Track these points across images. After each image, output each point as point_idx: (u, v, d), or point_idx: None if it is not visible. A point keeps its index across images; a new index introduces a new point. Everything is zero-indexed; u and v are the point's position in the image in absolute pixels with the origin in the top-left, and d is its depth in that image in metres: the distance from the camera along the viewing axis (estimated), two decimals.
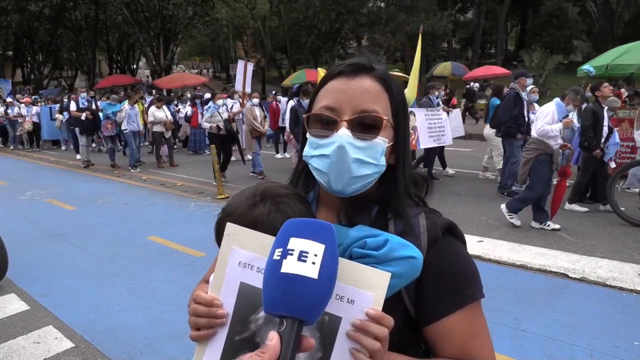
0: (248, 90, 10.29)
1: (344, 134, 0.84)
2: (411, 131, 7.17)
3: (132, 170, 10.87)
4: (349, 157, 0.84)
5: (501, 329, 3.41)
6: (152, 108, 11.25)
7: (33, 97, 18.71)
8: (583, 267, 4.44)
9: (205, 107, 9.70)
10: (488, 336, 0.92)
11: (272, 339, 0.64)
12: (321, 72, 7.77)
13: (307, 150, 0.90)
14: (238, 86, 10.58)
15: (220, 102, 9.27)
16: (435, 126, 7.93)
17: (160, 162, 11.40)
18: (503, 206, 5.85)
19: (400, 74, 16.18)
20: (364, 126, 0.86)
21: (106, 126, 11.19)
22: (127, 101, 11.35)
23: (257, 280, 0.74)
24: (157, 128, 11.20)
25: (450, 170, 8.90)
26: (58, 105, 15.25)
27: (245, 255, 0.77)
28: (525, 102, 7.07)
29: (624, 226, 5.63)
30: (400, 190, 0.92)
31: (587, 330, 3.39)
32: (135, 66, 39.66)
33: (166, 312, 3.91)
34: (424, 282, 0.85)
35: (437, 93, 8.67)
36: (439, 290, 0.87)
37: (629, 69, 9.18)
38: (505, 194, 7.12)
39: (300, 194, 0.96)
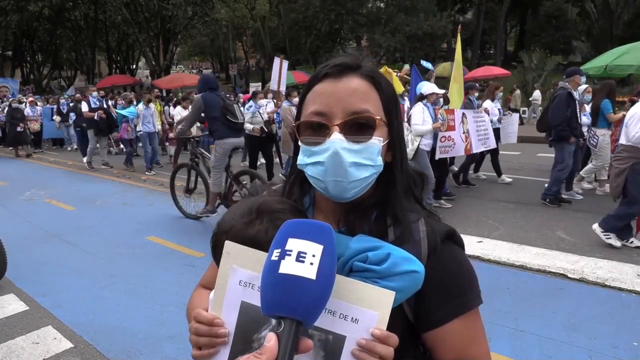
0: (283, 89, 9.69)
1: (337, 138, 0.81)
2: (465, 134, 6.80)
3: (148, 173, 10.33)
4: (345, 162, 0.81)
5: (500, 329, 3.41)
6: (179, 108, 10.81)
7: (35, 96, 18.61)
8: (582, 267, 4.45)
9: (246, 106, 9.04)
10: (486, 342, 0.92)
11: (270, 340, 0.63)
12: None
13: (301, 159, 0.88)
14: (273, 85, 9.94)
15: (263, 101, 8.54)
16: (481, 129, 7.37)
17: (175, 163, 10.86)
18: (596, 226, 5.11)
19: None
20: (357, 128, 0.83)
21: (126, 129, 10.85)
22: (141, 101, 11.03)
23: (258, 299, 0.73)
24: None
25: (507, 179, 8.20)
26: (56, 106, 15.18)
27: (245, 274, 0.76)
28: (577, 103, 6.48)
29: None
30: (399, 188, 0.91)
31: (586, 330, 3.39)
32: (134, 66, 39.68)
33: (165, 312, 3.90)
34: (425, 289, 0.84)
35: (476, 94, 8.09)
36: (439, 297, 0.87)
37: (628, 70, 9.21)
38: (548, 201, 6.57)
39: (297, 207, 0.93)
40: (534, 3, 33.20)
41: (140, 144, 11.56)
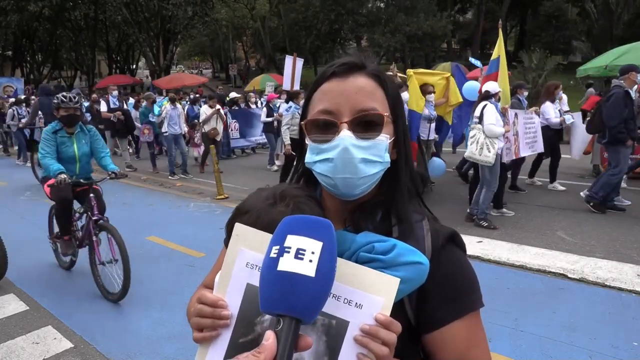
0: (297, 87, 9.31)
1: (346, 135, 0.83)
2: (514, 136, 6.23)
3: (170, 178, 9.76)
4: (355, 158, 0.83)
5: (500, 329, 3.41)
6: (205, 107, 10.22)
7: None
8: (582, 267, 4.45)
9: (285, 107, 8.58)
10: (486, 345, 0.93)
11: (269, 338, 0.63)
12: None
13: (310, 157, 0.88)
14: (286, 84, 9.43)
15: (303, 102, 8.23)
16: (530, 131, 6.81)
17: (202, 166, 10.45)
18: None
19: (400, 74, 16.08)
20: (365, 125, 0.85)
21: (143, 131, 10.43)
22: (166, 100, 10.51)
23: None
24: (207, 128, 10.05)
25: (559, 187, 7.58)
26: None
27: (253, 256, 0.75)
28: (634, 102, 5.97)
29: (623, 227, 5.63)
30: (403, 186, 0.92)
31: (586, 330, 3.39)
32: (134, 66, 39.67)
33: (165, 312, 3.90)
34: (426, 290, 0.85)
35: (525, 93, 7.53)
36: (440, 298, 0.87)
37: None
38: (592, 205, 6.16)
39: (316, 197, 0.94)
40: (534, 3, 33.21)
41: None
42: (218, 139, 10.19)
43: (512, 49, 38.46)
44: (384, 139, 0.86)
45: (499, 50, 6.94)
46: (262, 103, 13.54)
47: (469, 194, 6.37)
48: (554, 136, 7.35)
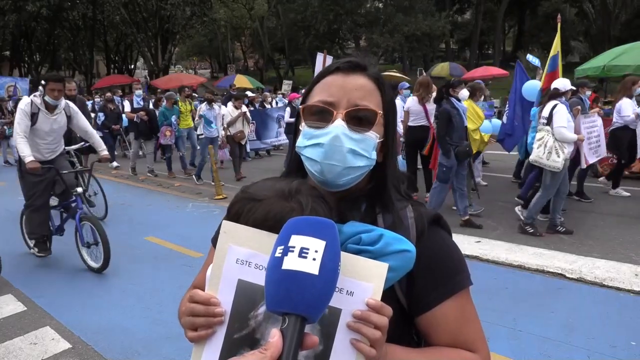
0: None
1: (339, 124, 0.88)
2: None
3: (198, 183, 9.13)
4: (344, 147, 0.87)
5: (498, 329, 3.42)
6: (230, 108, 9.31)
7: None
8: (580, 267, 4.45)
9: None
10: (478, 322, 0.96)
11: (274, 336, 0.64)
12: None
13: (301, 141, 0.92)
14: None
15: None
16: (592, 136, 6.17)
17: (239, 173, 9.37)
18: None
19: (397, 74, 16.09)
20: (359, 119, 0.90)
21: (164, 133, 9.72)
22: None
23: (255, 277, 0.75)
24: (233, 131, 9.21)
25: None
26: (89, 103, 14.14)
27: (243, 252, 0.76)
28: None
29: (621, 226, 5.64)
30: (389, 186, 0.96)
31: (584, 330, 3.40)
32: (133, 66, 39.60)
33: (164, 312, 3.90)
34: (415, 273, 0.87)
35: (588, 92, 6.94)
36: (429, 280, 0.91)
37: (625, 70, 9.21)
38: None
39: (324, 197, 0.93)
40: (532, 3, 33.30)
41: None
42: (243, 142, 9.48)
43: (510, 49, 38.58)
44: (374, 136, 0.91)
45: (557, 47, 6.58)
46: (277, 102, 13.41)
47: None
48: (634, 136, 6.82)
